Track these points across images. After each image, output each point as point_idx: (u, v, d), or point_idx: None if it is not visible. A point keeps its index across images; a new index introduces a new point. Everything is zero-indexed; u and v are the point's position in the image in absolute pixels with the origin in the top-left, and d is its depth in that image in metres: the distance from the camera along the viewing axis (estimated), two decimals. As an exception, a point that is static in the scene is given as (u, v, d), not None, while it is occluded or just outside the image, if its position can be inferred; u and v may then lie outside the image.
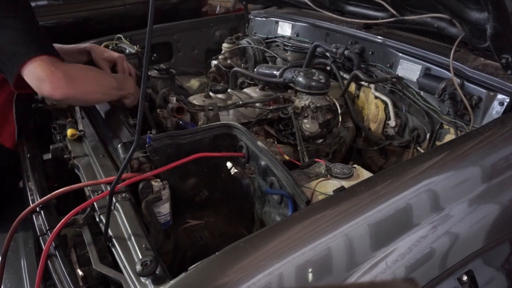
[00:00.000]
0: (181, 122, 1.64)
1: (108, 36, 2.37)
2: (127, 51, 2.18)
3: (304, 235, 0.89)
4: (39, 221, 1.23)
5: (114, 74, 1.75)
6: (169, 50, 2.66)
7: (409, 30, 1.93)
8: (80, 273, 1.07)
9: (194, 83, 2.50)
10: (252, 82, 2.17)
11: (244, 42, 2.45)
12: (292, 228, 0.91)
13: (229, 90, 1.90)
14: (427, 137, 1.71)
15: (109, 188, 1.10)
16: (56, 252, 1.11)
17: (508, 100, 1.42)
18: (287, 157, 1.59)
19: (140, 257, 0.95)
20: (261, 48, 2.39)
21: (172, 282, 0.82)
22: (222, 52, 2.49)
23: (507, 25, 1.20)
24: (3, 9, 1.36)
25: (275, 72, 1.98)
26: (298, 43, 2.32)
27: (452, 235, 1.04)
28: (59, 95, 1.36)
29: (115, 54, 1.89)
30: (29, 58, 1.32)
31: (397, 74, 1.81)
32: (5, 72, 1.40)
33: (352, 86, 2.05)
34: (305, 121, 1.78)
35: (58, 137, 1.59)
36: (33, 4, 1.83)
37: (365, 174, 1.32)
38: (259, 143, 1.33)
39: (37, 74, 1.33)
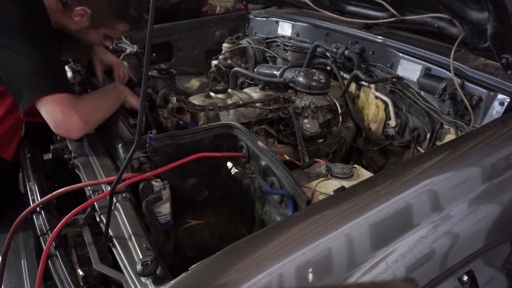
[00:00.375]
0: (181, 122, 1.64)
1: (108, 36, 2.36)
2: (127, 50, 2.18)
3: (304, 235, 0.89)
4: (40, 221, 1.23)
5: (105, 87, 1.70)
6: (169, 50, 2.66)
7: (410, 30, 1.93)
8: (81, 273, 1.07)
9: (194, 83, 2.50)
10: (252, 82, 2.17)
11: (244, 42, 2.45)
12: (293, 228, 0.91)
13: (229, 90, 1.90)
14: (428, 137, 1.71)
15: (109, 188, 1.10)
16: (57, 252, 1.11)
17: (508, 100, 1.42)
18: (287, 157, 1.59)
19: (141, 257, 0.95)
20: (261, 48, 2.39)
21: (172, 282, 0.82)
22: (222, 52, 2.49)
23: (508, 25, 1.20)
24: (23, 33, 1.30)
25: (275, 72, 1.98)
26: (298, 43, 2.32)
27: (452, 235, 1.04)
28: (75, 136, 1.39)
29: (113, 59, 1.87)
30: (46, 95, 1.29)
31: (397, 74, 1.81)
32: (17, 99, 1.35)
33: (353, 86, 2.05)
34: (305, 121, 1.78)
35: (59, 137, 1.59)
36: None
37: (365, 174, 1.32)
38: (260, 143, 1.33)
39: (53, 114, 1.31)
